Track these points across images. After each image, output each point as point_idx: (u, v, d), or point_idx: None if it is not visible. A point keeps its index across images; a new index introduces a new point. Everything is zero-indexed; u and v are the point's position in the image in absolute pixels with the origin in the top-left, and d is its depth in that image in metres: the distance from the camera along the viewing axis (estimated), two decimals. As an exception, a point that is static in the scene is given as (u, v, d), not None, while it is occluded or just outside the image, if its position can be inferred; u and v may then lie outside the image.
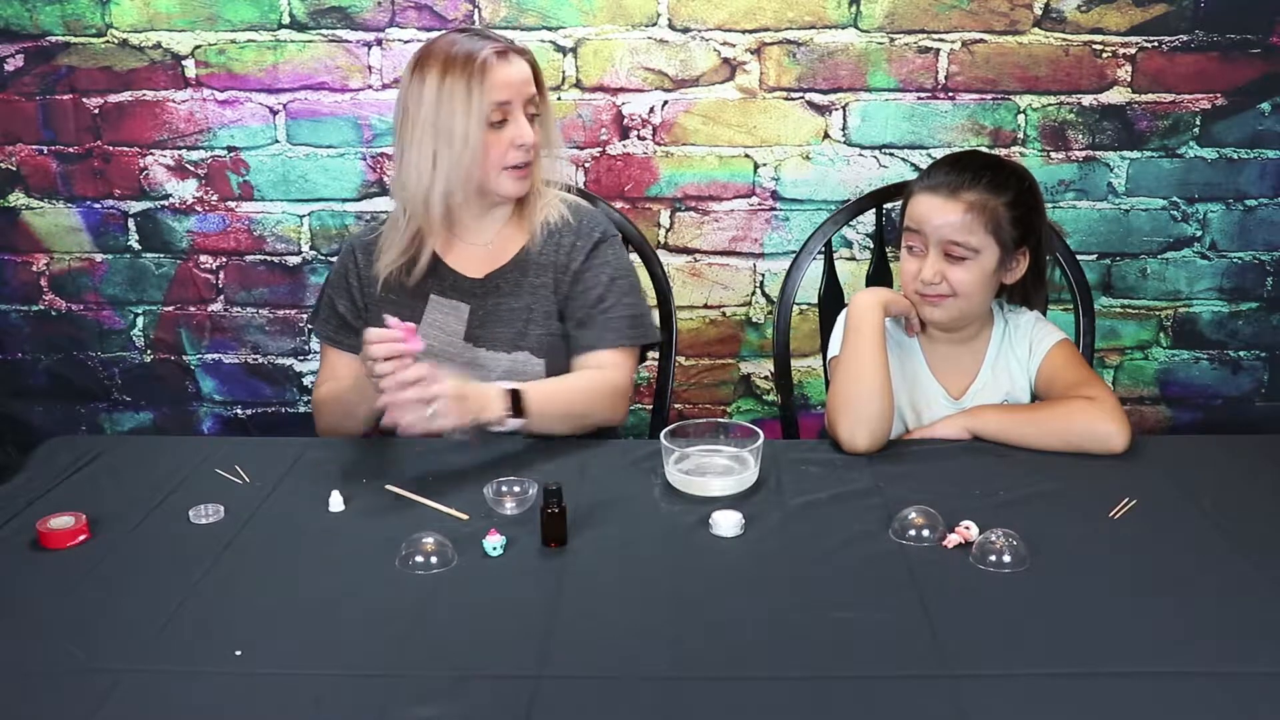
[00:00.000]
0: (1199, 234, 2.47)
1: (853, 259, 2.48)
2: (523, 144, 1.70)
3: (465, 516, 1.46)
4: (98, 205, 2.52)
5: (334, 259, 2.51)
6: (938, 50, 2.36)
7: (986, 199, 1.65)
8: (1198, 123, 2.39)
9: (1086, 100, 2.38)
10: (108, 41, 2.40)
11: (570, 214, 1.82)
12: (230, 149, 2.47)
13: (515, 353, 1.77)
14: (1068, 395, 1.68)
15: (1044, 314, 1.85)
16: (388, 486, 1.53)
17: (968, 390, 1.77)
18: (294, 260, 2.54)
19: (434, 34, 2.35)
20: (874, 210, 2.06)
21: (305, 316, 2.57)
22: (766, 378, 2.58)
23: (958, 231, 1.65)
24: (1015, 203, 1.67)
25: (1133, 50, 2.34)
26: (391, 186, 1.78)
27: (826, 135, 2.42)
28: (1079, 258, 2.02)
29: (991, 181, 1.66)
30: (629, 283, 1.82)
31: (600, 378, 1.75)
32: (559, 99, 2.39)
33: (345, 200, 2.49)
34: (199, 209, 2.51)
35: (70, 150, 2.47)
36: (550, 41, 2.36)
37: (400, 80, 1.73)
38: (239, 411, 2.67)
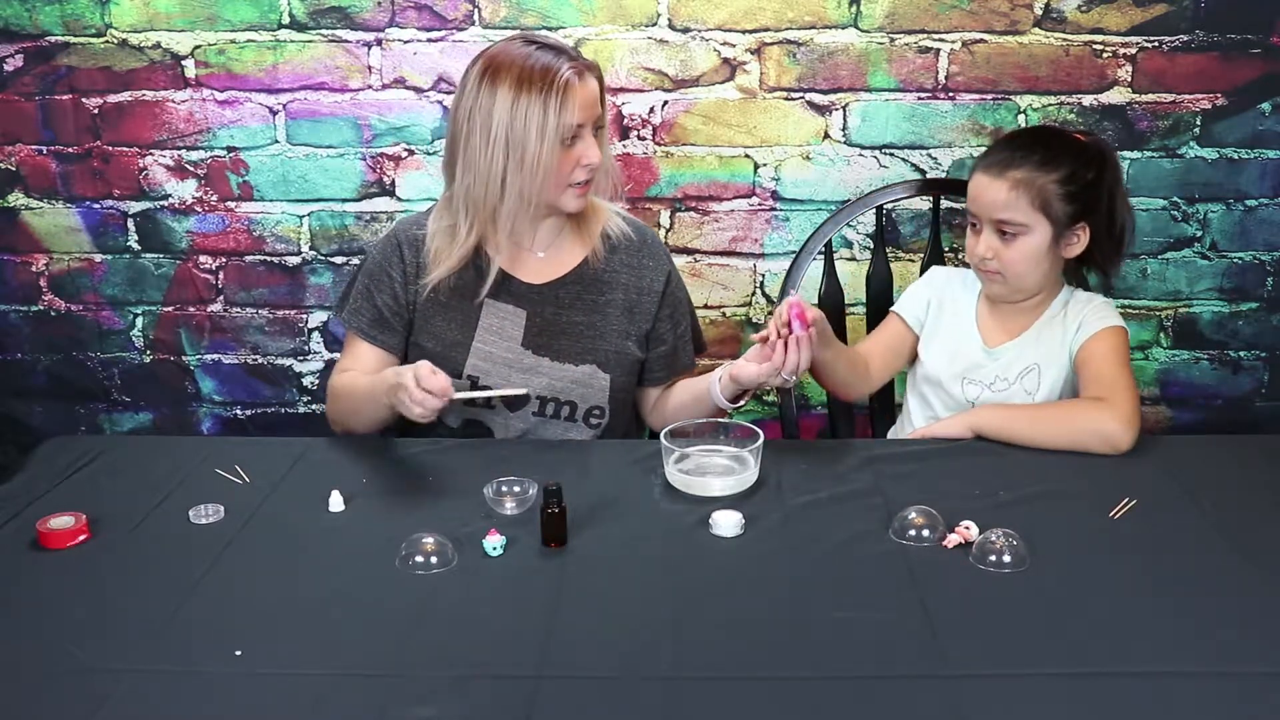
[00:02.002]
0: (1199, 234, 2.47)
1: (853, 259, 2.48)
2: (589, 164, 1.67)
3: (524, 391, 1.61)
4: (97, 205, 2.52)
5: (334, 259, 2.52)
6: (938, 50, 2.36)
7: (1034, 176, 1.67)
8: (1198, 123, 2.38)
9: (1087, 100, 2.38)
10: (107, 41, 2.40)
11: (629, 228, 1.83)
12: (230, 149, 2.46)
13: (582, 365, 1.76)
14: (1089, 389, 1.69)
15: (1109, 287, 1.89)
16: (455, 395, 1.56)
17: (1003, 344, 1.79)
18: (294, 260, 2.54)
19: (432, 34, 2.36)
20: (874, 210, 2.06)
21: (305, 317, 2.58)
22: (766, 378, 2.58)
23: (1002, 210, 1.69)
24: (1069, 179, 1.68)
25: (1133, 50, 2.34)
26: (454, 197, 1.72)
27: (827, 135, 2.42)
28: (1079, 258, 2.02)
29: (1043, 159, 1.68)
30: (690, 300, 1.92)
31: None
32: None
33: (345, 200, 2.49)
34: (198, 209, 2.51)
35: (70, 150, 2.47)
36: (550, 41, 2.36)
37: (463, 85, 1.68)
38: (239, 412, 2.67)
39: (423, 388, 1.52)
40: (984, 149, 1.79)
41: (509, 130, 1.63)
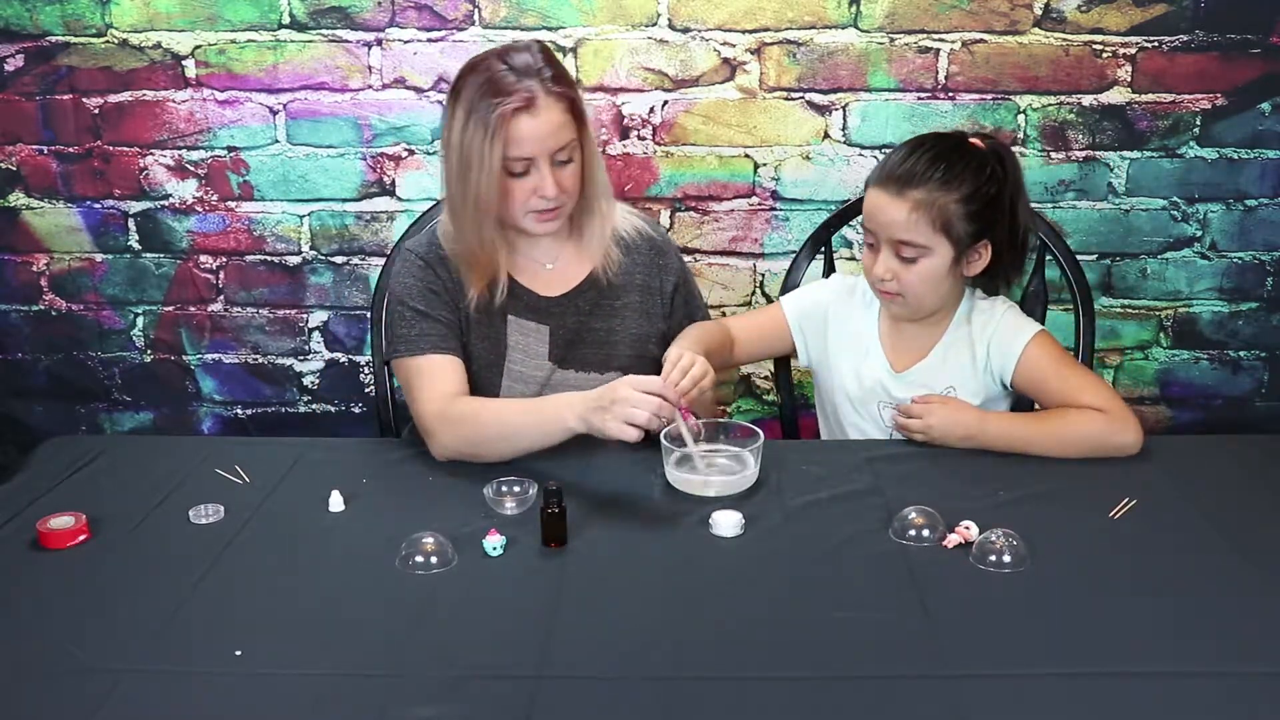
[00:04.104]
0: (1199, 234, 2.47)
1: (853, 259, 2.48)
2: (544, 195, 1.63)
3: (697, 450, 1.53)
4: (98, 205, 2.52)
5: (335, 259, 2.52)
6: (938, 50, 2.36)
7: (935, 197, 1.60)
8: (1198, 123, 2.38)
9: (1086, 100, 2.38)
10: (108, 41, 2.40)
11: (645, 225, 1.82)
12: (230, 149, 2.46)
13: (607, 373, 1.75)
14: (1068, 404, 1.64)
15: (1016, 291, 1.79)
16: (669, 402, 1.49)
17: (912, 368, 1.75)
18: (294, 260, 2.54)
19: (432, 34, 2.37)
20: (874, 210, 2.06)
21: (305, 317, 2.58)
22: (766, 377, 2.58)
23: (903, 231, 1.62)
24: (971, 198, 1.61)
25: (1133, 50, 2.34)
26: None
27: (826, 135, 2.42)
28: (1079, 258, 2.02)
29: (944, 178, 1.60)
30: (698, 289, 1.91)
31: None
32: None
33: (345, 200, 2.49)
34: (199, 209, 2.51)
35: (70, 150, 2.47)
36: (550, 41, 2.36)
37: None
38: (239, 411, 2.67)
39: (645, 391, 1.46)
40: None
41: (459, 151, 1.62)
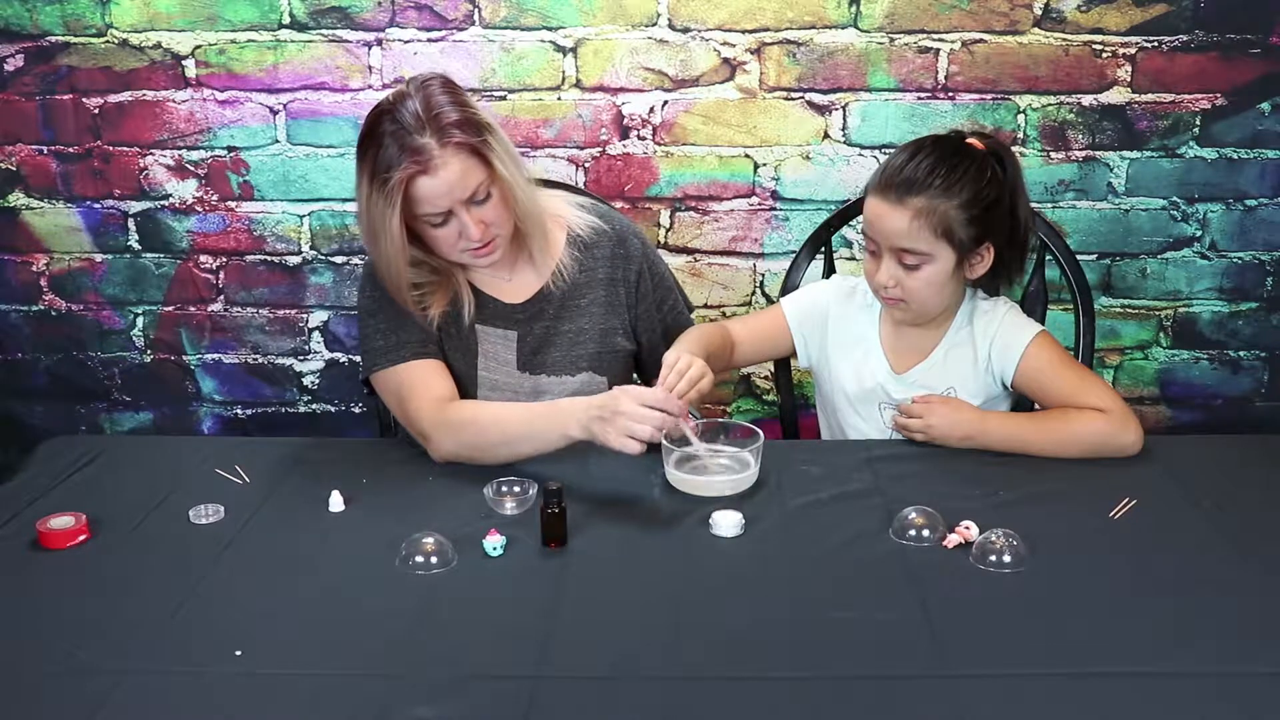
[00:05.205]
0: (1199, 234, 2.47)
1: (853, 259, 2.48)
2: (470, 236, 1.61)
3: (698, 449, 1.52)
4: (98, 205, 2.52)
5: (335, 258, 2.52)
6: (938, 50, 2.36)
7: (936, 204, 1.59)
8: (1198, 123, 2.38)
9: (1086, 100, 2.38)
10: (108, 41, 2.40)
11: (599, 220, 1.80)
12: (230, 149, 2.46)
13: (579, 374, 1.75)
14: (1069, 404, 1.64)
15: (1016, 291, 1.78)
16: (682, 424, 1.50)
17: (912, 369, 1.74)
18: (294, 260, 2.54)
19: (432, 34, 2.36)
20: (874, 210, 2.06)
21: (305, 317, 2.58)
22: (766, 377, 2.58)
23: (904, 239, 1.61)
24: (971, 202, 1.60)
25: (1133, 50, 2.34)
26: None
27: (826, 135, 2.42)
28: (1079, 258, 2.01)
29: (944, 184, 1.59)
30: (668, 271, 1.87)
31: None
32: (559, 99, 2.39)
33: (345, 200, 2.49)
34: (199, 209, 2.51)
35: (70, 150, 2.47)
36: (550, 41, 2.36)
37: None
38: (239, 411, 2.67)
39: (648, 405, 1.45)
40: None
41: (367, 216, 1.61)
